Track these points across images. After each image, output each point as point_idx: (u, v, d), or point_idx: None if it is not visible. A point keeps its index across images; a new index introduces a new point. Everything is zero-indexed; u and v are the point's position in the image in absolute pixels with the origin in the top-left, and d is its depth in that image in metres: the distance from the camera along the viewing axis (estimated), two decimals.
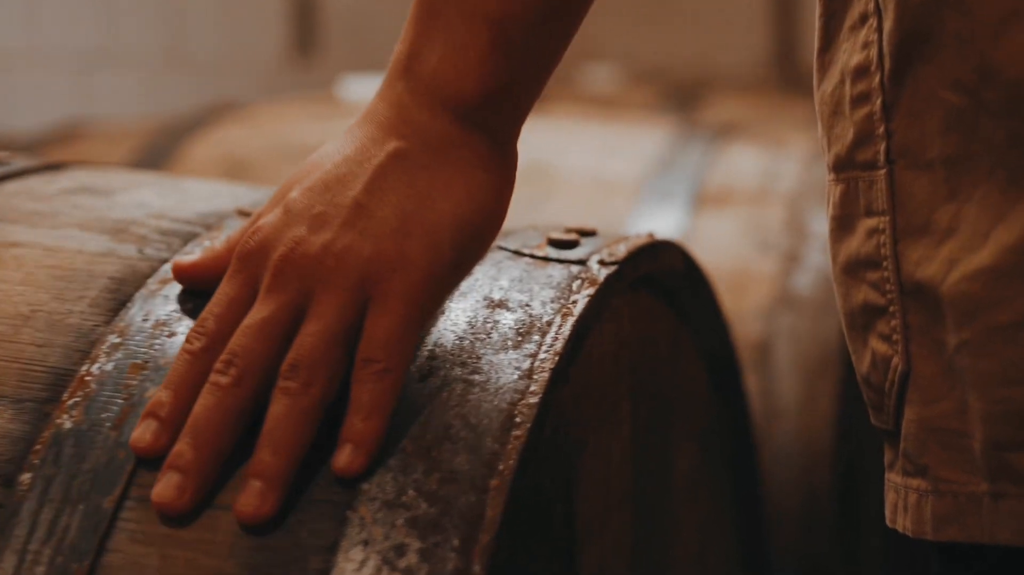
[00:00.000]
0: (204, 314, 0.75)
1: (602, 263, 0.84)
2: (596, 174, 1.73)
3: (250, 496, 0.71)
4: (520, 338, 0.77)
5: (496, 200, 0.78)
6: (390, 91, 0.78)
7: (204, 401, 0.73)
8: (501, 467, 0.71)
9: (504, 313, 0.79)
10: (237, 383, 0.72)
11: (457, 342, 0.77)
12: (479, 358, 0.76)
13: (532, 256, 0.85)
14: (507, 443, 0.71)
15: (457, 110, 0.77)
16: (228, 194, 0.97)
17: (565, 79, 3.43)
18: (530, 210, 1.63)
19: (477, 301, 0.80)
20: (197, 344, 0.74)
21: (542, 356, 0.76)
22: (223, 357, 0.73)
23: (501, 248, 0.86)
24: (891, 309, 0.73)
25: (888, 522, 0.76)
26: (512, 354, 0.76)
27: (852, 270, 0.75)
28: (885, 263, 0.73)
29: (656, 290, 0.98)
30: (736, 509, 1.17)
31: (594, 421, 0.89)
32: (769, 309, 1.57)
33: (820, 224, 1.63)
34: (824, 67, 0.77)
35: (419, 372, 0.75)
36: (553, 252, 0.86)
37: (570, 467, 0.85)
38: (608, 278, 0.83)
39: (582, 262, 0.84)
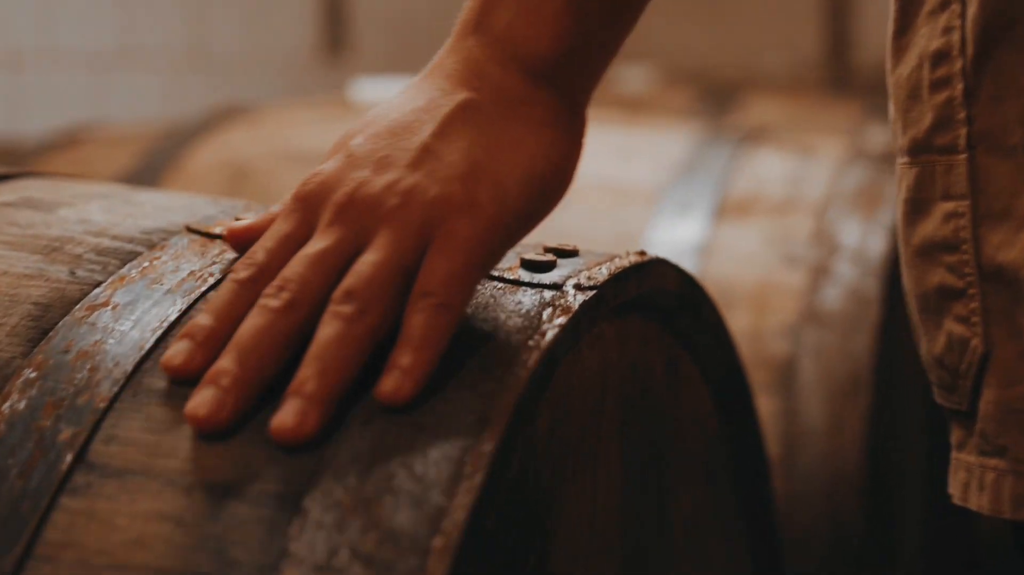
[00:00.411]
0: (254, 247, 0.72)
1: (579, 288, 0.76)
2: (613, 181, 1.64)
3: (290, 413, 0.65)
4: (478, 375, 0.68)
5: (565, 159, 0.76)
6: (460, 46, 0.77)
7: (251, 322, 0.68)
8: (446, 524, 0.62)
9: (463, 346, 0.70)
10: (289, 308, 0.68)
11: None
12: (430, 398, 0.67)
13: (502, 280, 0.76)
14: (455, 496, 0.63)
15: (529, 67, 0.76)
16: (183, 208, 0.89)
17: None
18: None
19: None
20: (244, 274, 0.70)
21: (502, 396, 0.67)
22: (275, 282, 0.69)
23: None
24: (970, 292, 0.75)
25: (957, 500, 0.78)
26: (468, 394, 0.67)
27: (927, 252, 0.77)
28: (964, 246, 0.75)
29: (649, 313, 0.89)
30: (751, 555, 1.08)
31: (574, 460, 0.80)
32: (794, 326, 1.48)
33: (850, 235, 1.53)
34: (900, 51, 0.78)
35: (361, 415, 0.67)
36: (526, 275, 0.77)
37: (544, 513, 0.77)
38: (584, 305, 0.74)
39: (557, 287, 0.76)
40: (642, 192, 1.61)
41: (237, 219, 0.78)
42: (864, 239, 1.53)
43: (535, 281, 0.76)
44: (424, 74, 0.77)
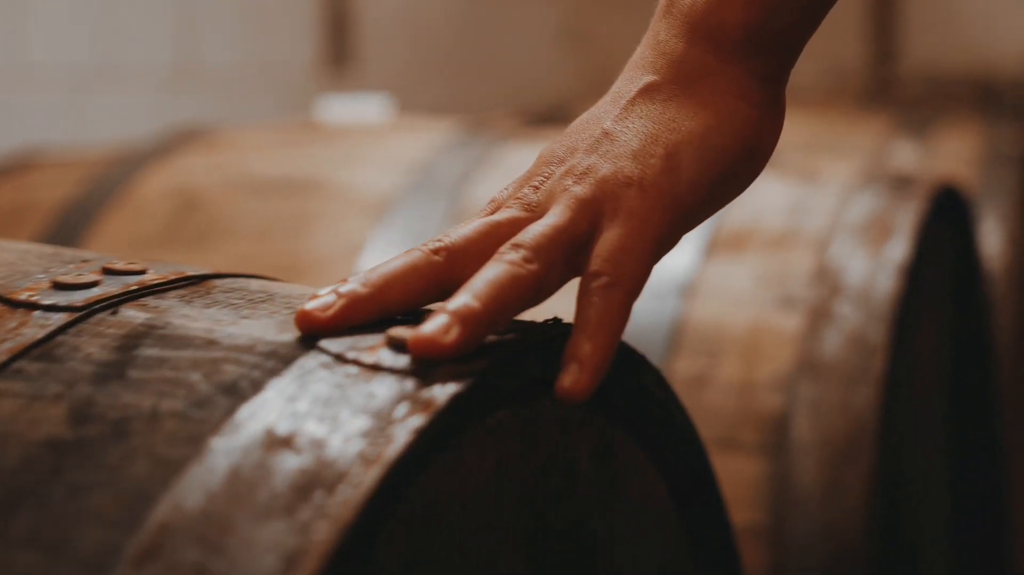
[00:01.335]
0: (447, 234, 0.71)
1: (450, 375, 0.60)
2: None
3: (432, 325, 0.63)
4: (296, 497, 0.53)
5: (755, 131, 0.74)
6: (650, 33, 0.77)
7: (485, 271, 0.67)
8: None
9: (285, 456, 0.55)
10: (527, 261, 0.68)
11: (204, 503, 0.53)
12: (228, 530, 0.52)
13: (357, 363, 0.61)
14: None
15: (718, 42, 0.74)
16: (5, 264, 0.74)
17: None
18: None
19: (252, 437, 0.56)
20: (432, 246, 0.69)
21: (318, 527, 0.51)
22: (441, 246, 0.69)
23: (320, 350, 0.62)
24: None
25: None
26: (278, 524, 0.52)
27: None
28: None
29: None
30: None
31: None
32: (789, 377, 1.31)
33: (854, 272, 1.36)
34: None
35: (137, 552, 0.52)
36: (388, 358, 0.61)
37: None
38: (455, 399, 0.59)
39: (422, 373, 0.60)
40: None
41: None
42: (870, 278, 1.36)
43: (398, 366, 0.60)
44: (624, 69, 0.77)
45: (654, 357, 1.34)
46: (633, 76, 0.75)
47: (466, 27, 3.62)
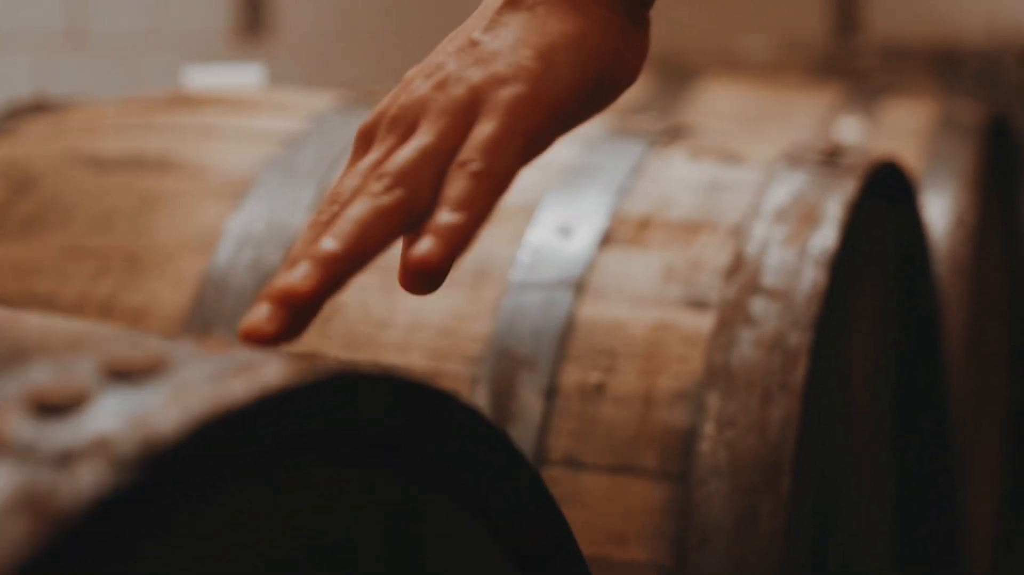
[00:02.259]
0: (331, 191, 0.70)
1: (108, 457, 0.41)
2: None
3: (293, 272, 0.64)
4: None
5: (624, 41, 0.74)
6: None
7: (349, 210, 0.67)
8: None
9: None
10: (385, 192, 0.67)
11: None
12: None
13: None
14: None
15: None
16: None
17: None
18: None
19: None
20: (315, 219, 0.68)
21: None
22: (326, 199, 0.69)
23: None
24: None
25: None
26: None
27: None
28: None
29: (338, 447, 0.55)
30: None
31: None
32: (697, 388, 1.13)
33: (774, 267, 1.18)
34: None
35: None
36: (27, 431, 0.42)
37: None
38: (102, 503, 0.40)
39: (65, 459, 0.41)
40: (512, 207, 1.26)
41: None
42: (792, 272, 1.18)
43: (33, 445, 0.42)
44: None
45: (540, 364, 1.16)
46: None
47: None
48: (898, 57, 4.24)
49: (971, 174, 2.15)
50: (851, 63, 4.25)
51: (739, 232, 1.22)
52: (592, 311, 1.18)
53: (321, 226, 0.67)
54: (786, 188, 1.26)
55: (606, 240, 1.23)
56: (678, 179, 1.30)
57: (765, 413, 1.11)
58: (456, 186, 0.66)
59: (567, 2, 0.73)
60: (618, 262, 1.22)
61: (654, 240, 1.23)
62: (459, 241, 0.64)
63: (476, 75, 0.70)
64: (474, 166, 0.66)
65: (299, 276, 0.63)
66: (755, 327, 1.15)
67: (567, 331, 1.17)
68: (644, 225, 1.24)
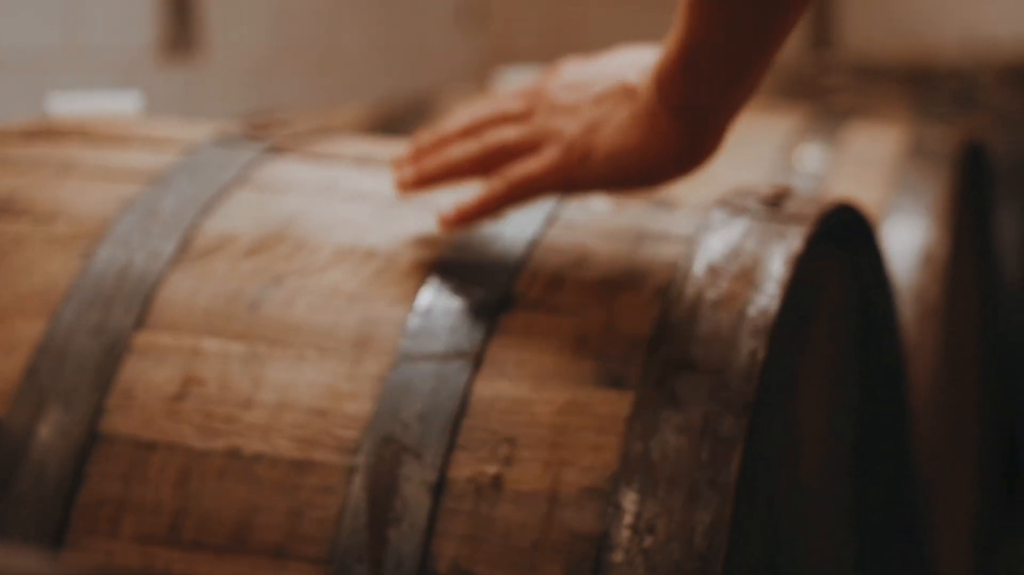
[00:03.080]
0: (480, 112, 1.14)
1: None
2: None
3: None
4: None
5: (676, 166, 1.04)
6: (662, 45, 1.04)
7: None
8: None
9: None
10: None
11: None
12: None
13: None
14: None
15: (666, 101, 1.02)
16: None
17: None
18: None
19: None
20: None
21: None
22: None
23: None
24: None
25: None
26: None
27: None
28: None
29: None
30: None
31: None
32: (610, 483, 0.96)
33: (705, 335, 1.00)
34: None
35: None
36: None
37: None
38: None
39: None
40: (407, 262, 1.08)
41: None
42: (726, 343, 1.00)
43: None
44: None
45: (428, 453, 0.98)
46: (633, 73, 1.05)
47: (350, 8, 3.22)
48: (870, 75, 4.09)
49: (942, 206, 1.97)
50: (821, 81, 4.08)
51: (666, 293, 1.04)
52: (490, 389, 1.00)
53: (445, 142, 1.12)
54: (723, 240, 1.08)
55: (510, 301, 1.05)
56: (598, 228, 1.12)
57: (691, 515, 0.93)
58: (491, 181, 1.08)
59: (643, 119, 1.03)
60: (523, 329, 1.04)
61: (566, 302, 1.05)
62: (475, 211, 1.08)
63: (571, 130, 1.06)
64: (504, 178, 1.08)
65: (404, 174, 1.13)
66: (681, 409, 0.97)
67: (460, 413, 0.99)
68: (555, 283, 1.06)
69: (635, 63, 1.06)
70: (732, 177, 1.44)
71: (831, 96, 3.65)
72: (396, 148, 1.30)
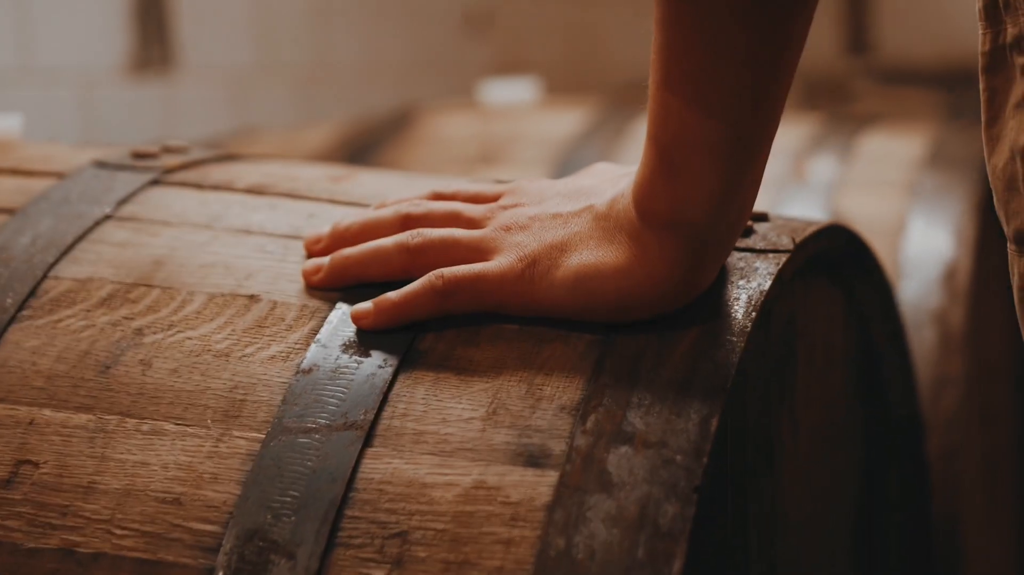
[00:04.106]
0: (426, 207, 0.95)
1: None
2: None
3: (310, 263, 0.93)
4: None
5: (647, 275, 0.84)
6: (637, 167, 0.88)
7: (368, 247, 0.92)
8: None
9: None
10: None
11: None
12: None
13: None
14: None
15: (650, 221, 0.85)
16: None
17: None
18: None
19: None
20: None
21: None
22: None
23: None
24: None
25: None
26: None
27: None
28: None
29: None
30: None
31: None
32: None
33: (643, 408, 0.81)
34: (992, 141, 0.81)
35: None
36: None
37: None
38: None
39: None
40: (289, 315, 0.89)
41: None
42: (671, 407, 0.81)
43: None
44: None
45: (301, 552, 0.79)
46: (610, 189, 0.88)
47: (298, 17, 3.04)
48: (904, 80, 3.91)
49: (964, 219, 1.77)
50: (849, 86, 3.88)
51: (601, 346, 0.85)
52: (380, 469, 0.81)
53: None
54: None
55: (412, 359, 0.86)
56: None
57: None
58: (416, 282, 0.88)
59: (644, 251, 0.84)
60: (426, 393, 0.85)
61: (480, 359, 0.86)
62: (392, 315, 0.87)
63: (533, 246, 0.87)
64: (439, 279, 0.87)
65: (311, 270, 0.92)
66: (613, 494, 0.77)
67: (343, 501, 0.80)
68: (468, 336, 0.87)
69: (613, 179, 0.89)
70: None
71: (857, 101, 3.46)
72: (311, 172, 1.11)
